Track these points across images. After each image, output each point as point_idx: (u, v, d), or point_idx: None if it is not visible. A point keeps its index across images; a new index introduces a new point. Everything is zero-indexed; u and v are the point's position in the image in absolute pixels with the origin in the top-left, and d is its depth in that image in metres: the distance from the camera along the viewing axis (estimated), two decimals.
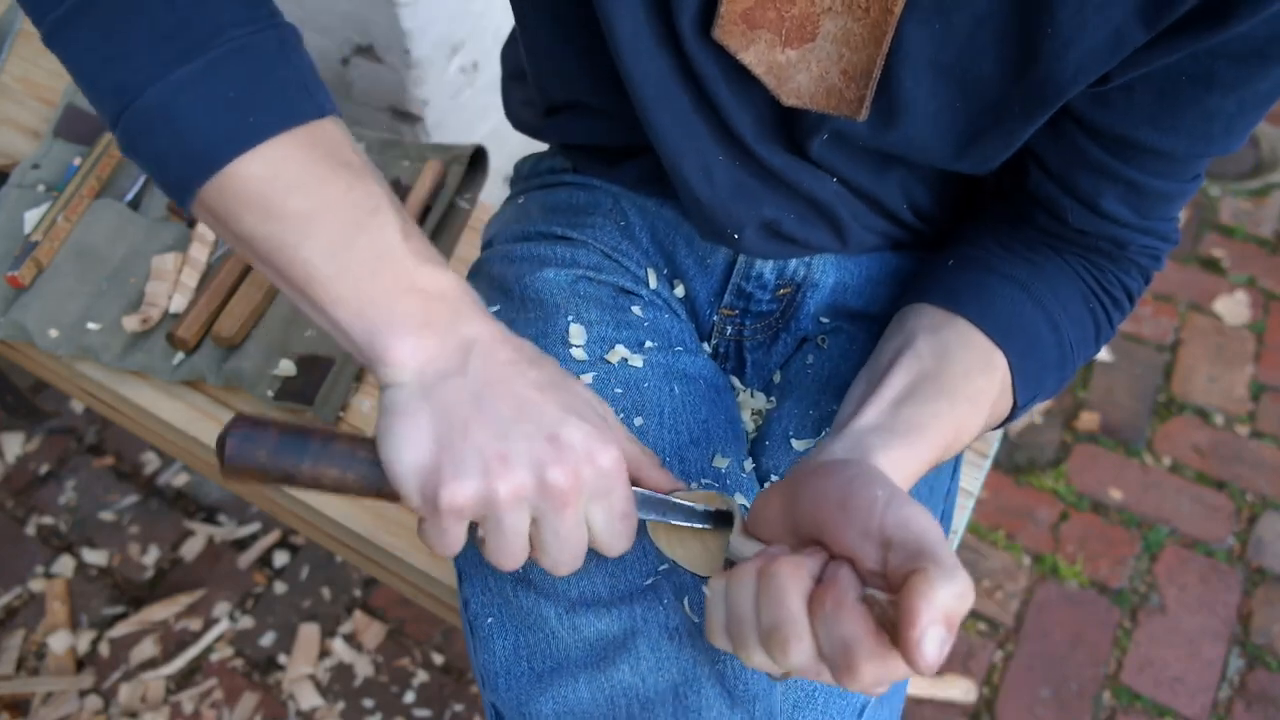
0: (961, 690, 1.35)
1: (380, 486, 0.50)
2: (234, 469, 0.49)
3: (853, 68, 0.53)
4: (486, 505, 0.48)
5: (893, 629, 0.40)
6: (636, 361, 0.67)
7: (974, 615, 1.42)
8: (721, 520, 0.56)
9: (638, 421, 0.65)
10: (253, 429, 0.49)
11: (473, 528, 0.52)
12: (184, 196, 0.49)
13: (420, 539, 0.51)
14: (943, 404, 0.57)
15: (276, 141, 0.48)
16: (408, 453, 0.48)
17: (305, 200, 0.48)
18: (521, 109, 0.78)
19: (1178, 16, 0.48)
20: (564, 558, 0.52)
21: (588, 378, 0.66)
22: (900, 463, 0.54)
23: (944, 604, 0.38)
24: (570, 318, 0.68)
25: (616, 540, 0.53)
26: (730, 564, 0.54)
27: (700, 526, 0.56)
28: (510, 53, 0.82)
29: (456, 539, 0.50)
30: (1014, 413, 0.62)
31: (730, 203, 0.63)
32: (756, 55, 0.53)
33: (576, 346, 0.67)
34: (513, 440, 0.48)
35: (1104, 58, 0.50)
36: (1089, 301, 0.64)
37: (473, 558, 0.64)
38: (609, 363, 0.67)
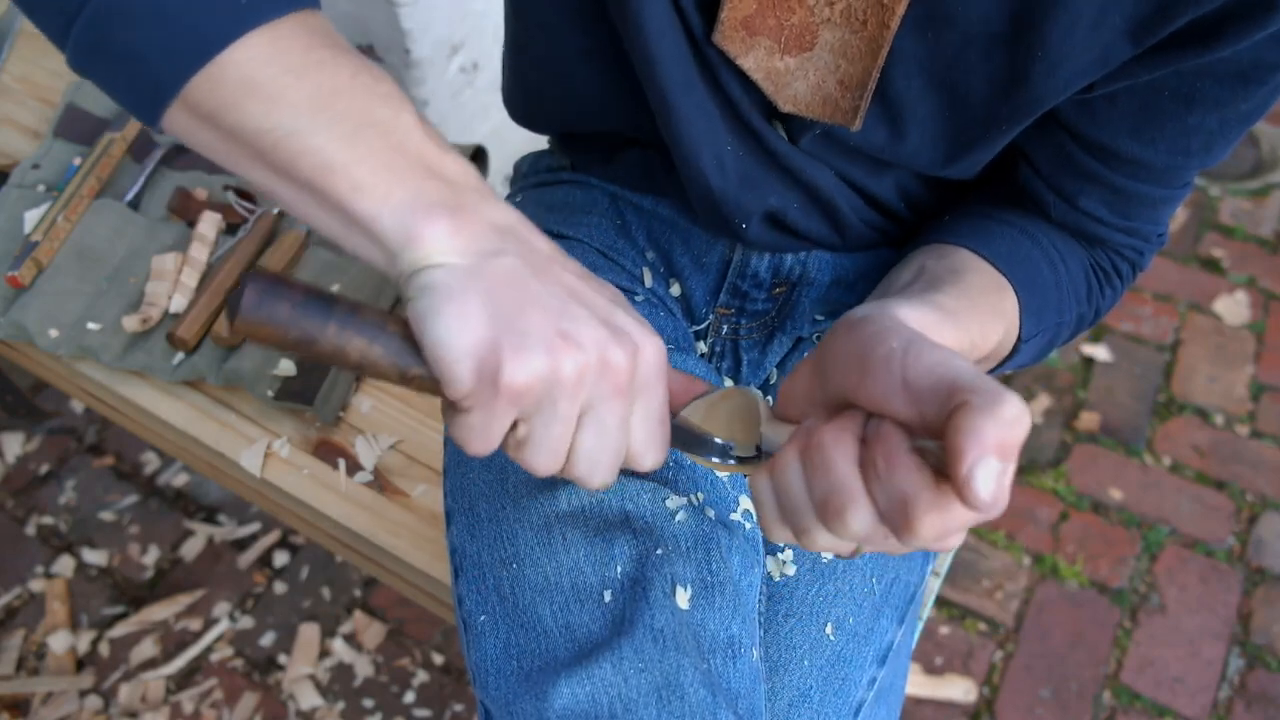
0: (961, 690, 1.35)
1: (407, 368, 0.45)
2: (251, 322, 0.43)
3: (849, 78, 0.53)
4: (550, 385, 0.45)
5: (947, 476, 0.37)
6: None
7: (974, 615, 1.42)
8: (746, 460, 0.53)
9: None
10: (275, 282, 0.44)
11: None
12: (165, 95, 0.43)
13: (455, 431, 0.46)
14: (965, 302, 0.54)
15: (275, 25, 0.43)
16: (463, 333, 0.43)
17: (313, 84, 0.44)
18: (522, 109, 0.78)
19: (1165, 36, 0.48)
20: (603, 457, 0.48)
21: None
22: (927, 330, 0.49)
23: (992, 433, 0.34)
24: None
25: (652, 446, 0.50)
26: (765, 455, 0.51)
27: (725, 462, 0.53)
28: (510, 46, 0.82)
29: (501, 430, 0.46)
30: (1015, 350, 0.61)
31: (739, 193, 0.64)
32: (755, 61, 0.54)
33: None
34: (572, 320, 0.45)
35: (1090, 72, 0.51)
36: (1082, 259, 0.64)
37: (468, 554, 0.65)
38: None
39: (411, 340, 0.45)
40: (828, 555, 0.65)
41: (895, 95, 0.54)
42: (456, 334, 0.43)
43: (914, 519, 0.37)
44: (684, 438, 0.53)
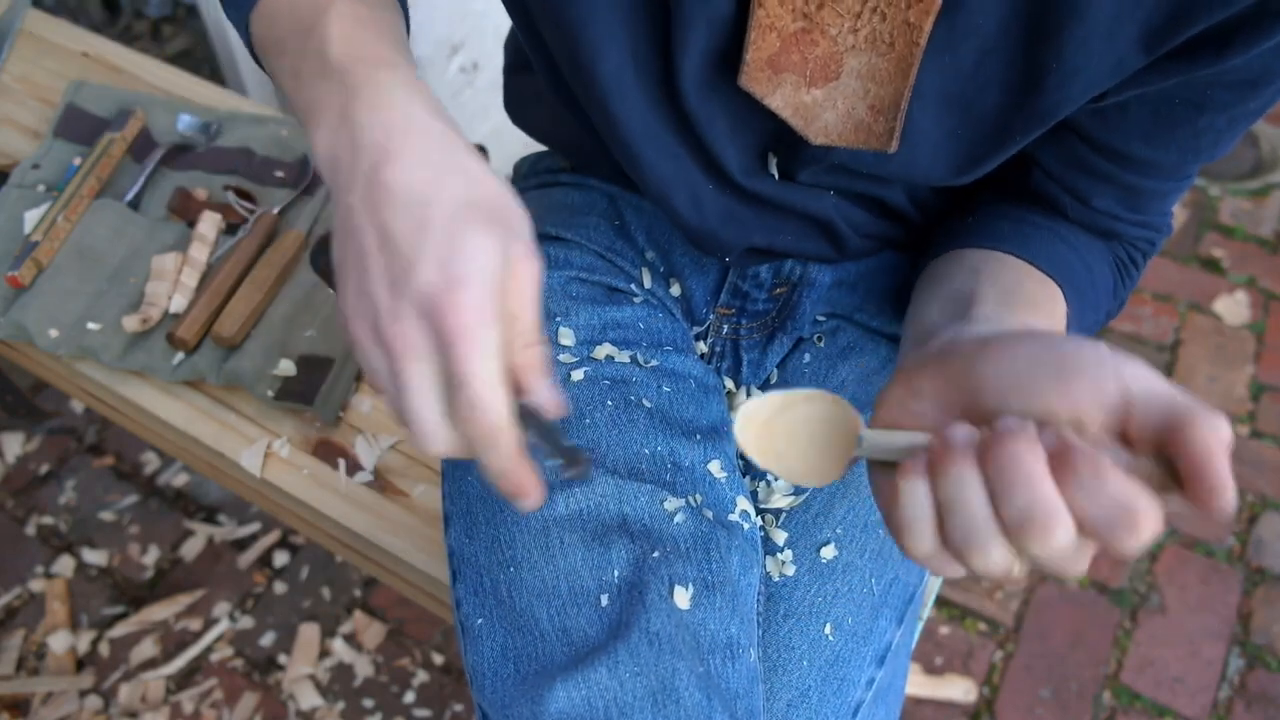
0: (961, 690, 1.35)
1: None
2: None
3: (880, 101, 0.53)
4: (375, 346, 0.44)
5: (1158, 483, 0.38)
6: (624, 359, 0.67)
7: (974, 615, 1.42)
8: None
9: (625, 417, 0.65)
10: None
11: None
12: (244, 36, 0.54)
13: None
14: (1041, 314, 0.55)
15: None
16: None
17: (281, 28, 0.51)
18: (520, 104, 0.78)
19: (1176, 45, 0.48)
20: (410, 419, 0.44)
21: (578, 374, 0.66)
22: None
23: (1225, 445, 0.36)
24: (559, 320, 0.68)
25: (463, 411, 0.43)
26: (854, 462, 0.47)
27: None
28: (513, 45, 0.82)
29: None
30: None
31: (720, 230, 0.64)
32: (783, 99, 0.54)
33: (565, 349, 0.68)
34: (368, 280, 0.43)
35: (1103, 82, 0.51)
36: (1106, 255, 0.65)
37: (466, 557, 0.65)
38: (596, 359, 0.67)
39: None
40: (828, 555, 0.65)
41: (912, 120, 0.54)
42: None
43: (1139, 522, 0.37)
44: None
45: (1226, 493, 0.36)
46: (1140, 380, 0.39)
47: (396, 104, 0.46)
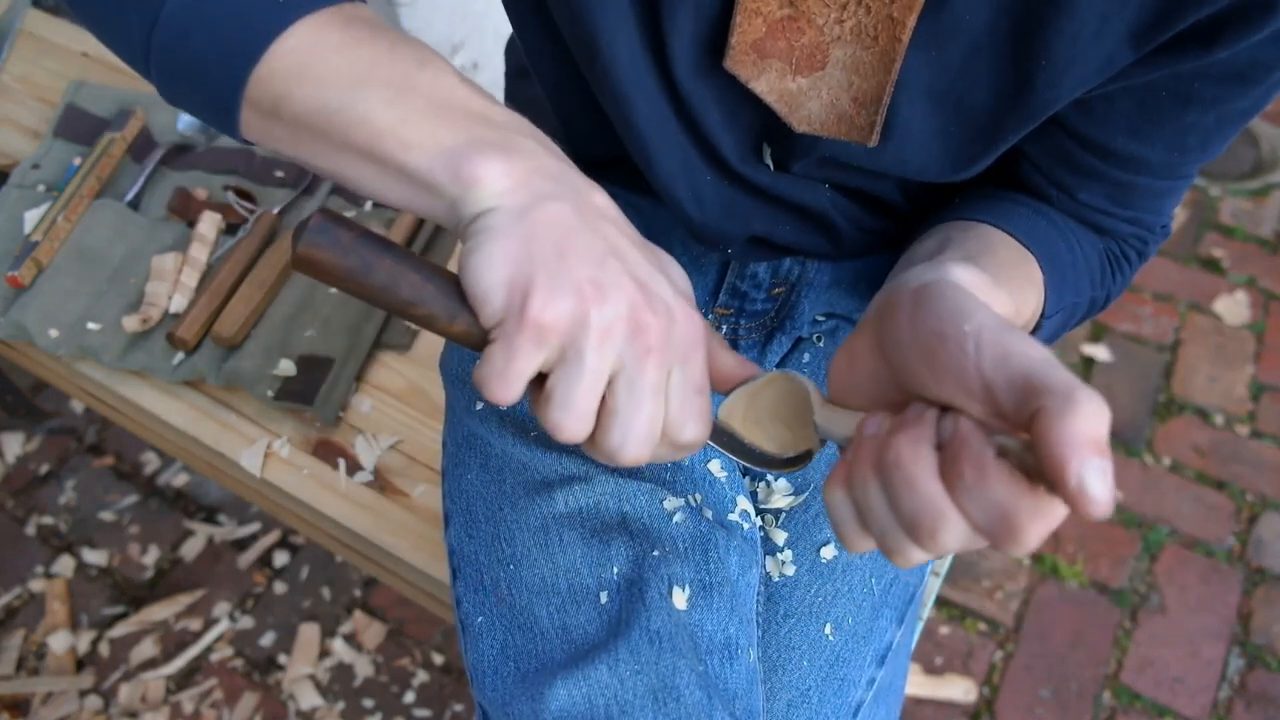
0: (961, 690, 1.35)
1: (454, 315, 0.45)
2: (314, 247, 0.44)
3: (863, 94, 0.53)
4: (575, 329, 0.43)
5: (1039, 475, 0.35)
6: None
7: (974, 615, 1.42)
8: (799, 461, 0.51)
9: None
10: (339, 216, 0.46)
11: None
12: (233, 98, 0.46)
13: (478, 375, 0.44)
14: (1004, 271, 0.53)
15: (311, 18, 0.46)
16: (498, 267, 0.43)
17: (353, 59, 0.46)
18: (520, 107, 0.78)
19: (1165, 40, 0.48)
20: (636, 423, 0.45)
21: None
22: (980, 293, 0.46)
23: (1085, 436, 0.33)
24: None
25: (690, 416, 0.47)
26: (822, 443, 0.50)
27: (770, 475, 0.52)
28: (513, 50, 0.83)
29: (521, 371, 0.44)
30: (1038, 327, 0.59)
31: (720, 222, 0.64)
32: (768, 84, 0.54)
33: None
34: (608, 273, 0.44)
35: (1092, 79, 0.51)
36: (1096, 244, 0.64)
37: (466, 555, 0.65)
38: None
39: (460, 288, 0.45)
40: (828, 555, 0.66)
41: (900, 115, 0.54)
42: (493, 267, 0.43)
43: (1019, 530, 0.35)
44: (725, 439, 0.52)
45: (1092, 501, 0.33)
46: (996, 368, 0.37)
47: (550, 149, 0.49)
